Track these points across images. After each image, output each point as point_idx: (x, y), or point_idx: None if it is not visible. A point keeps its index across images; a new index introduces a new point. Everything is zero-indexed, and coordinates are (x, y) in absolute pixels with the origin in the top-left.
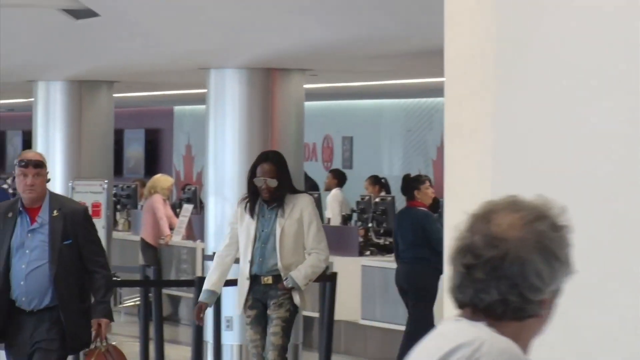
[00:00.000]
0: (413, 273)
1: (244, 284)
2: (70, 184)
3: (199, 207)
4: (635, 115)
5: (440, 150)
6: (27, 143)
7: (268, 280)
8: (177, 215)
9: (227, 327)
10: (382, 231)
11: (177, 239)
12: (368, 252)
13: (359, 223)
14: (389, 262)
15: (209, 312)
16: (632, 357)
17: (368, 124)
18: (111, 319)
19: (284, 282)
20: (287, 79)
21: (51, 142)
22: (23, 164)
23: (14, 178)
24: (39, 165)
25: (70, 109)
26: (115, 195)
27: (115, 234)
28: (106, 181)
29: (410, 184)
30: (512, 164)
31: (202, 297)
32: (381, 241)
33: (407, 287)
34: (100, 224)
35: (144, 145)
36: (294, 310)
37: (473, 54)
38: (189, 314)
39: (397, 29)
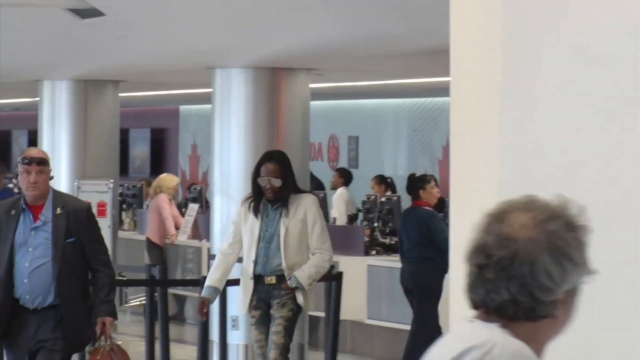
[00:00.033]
0: (418, 272)
1: (248, 284)
2: (75, 184)
3: (205, 207)
4: None
5: (446, 149)
6: (33, 142)
7: (272, 280)
8: (182, 214)
9: (232, 326)
10: (387, 231)
11: (182, 238)
12: (374, 252)
13: (365, 222)
14: (394, 262)
15: (215, 312)
16: (632, 357)
17: (374, 124)
18: (115, 318)
19: (288, 282)
20: (292, 78)
21: (57, 141)
22: (26, 161)
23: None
24: (42, 162)
25: (75, 108)
26: (120, 194)
27: (120, 234)
28: (112, 180)
29: (416, 183)
30: (518, 163)
31: (204, 293)
32: (387, 241)
33: (412, 287)
34: (106, 223)
35: (150, 145)
36: (297, 310)
37: (479, 53)
38: (194, 313)
39: (403, 29)
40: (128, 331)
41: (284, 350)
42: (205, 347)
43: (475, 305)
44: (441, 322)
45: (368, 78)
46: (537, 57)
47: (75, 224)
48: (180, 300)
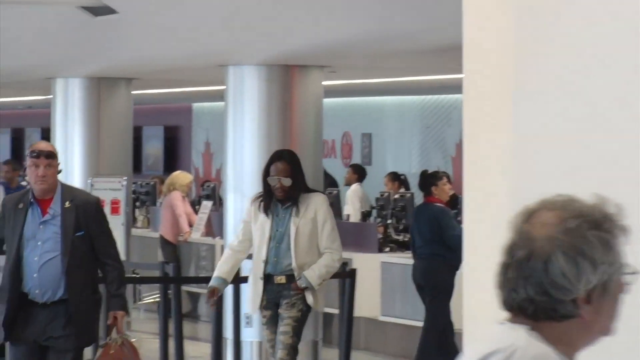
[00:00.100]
0: (429, 269)
1: (258, 284)
2: (89, 181)
3: (218, 204)
4: None
5: (459, 147)
6: (46, 140)
7: (281, 279)
8: (196, 212)
9: (246, 323)
10: (401, 228)
11: (196, 235)
12: (387, 249)
13: (379, 219)
14: (408, 259)
15: (228, 309)
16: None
17: (387, 121)
18: (126, 311)
19: (298, 282)
20: (305, 75)
21: (70, 139)
22: (35, 154)
23: None
24: (51, 155)
25: (89, 106)
26: (134, 192)
27: (134, 231)
28: (125, 178)
29: (428, 180)
30: (531, 161)
31: (212, 283)
32: (400, 237)
33: (424, 284)
34: (119, 220)
35: (163, 142)
36: (306, 310)
37: (492, 50)
38: (208, 310)
39: (415, 26)
40: (142, 328)
41: (292, 350)
42: (219, 345)
43: (504, 305)
44: (453, 319)
45: (381, 75)
46: (549, 54)
47: (85, 218)
48: (194, 297)
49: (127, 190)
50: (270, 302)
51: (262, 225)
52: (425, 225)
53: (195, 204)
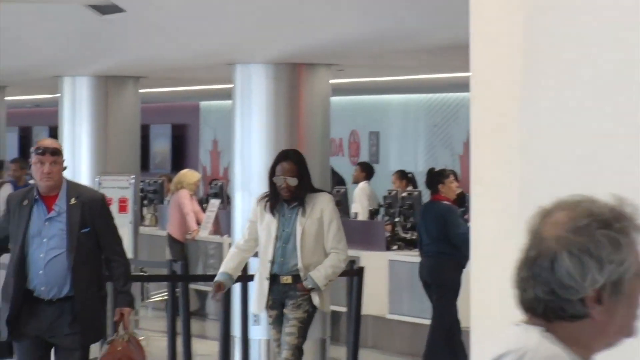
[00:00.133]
0: (436, 267)
1: (264, 284)
2: (97, 180)
3: (226, 202)
4: None
5: (466, 145)
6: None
7: (287, 279)
8: (204, 210)
9: (254, 321)
10: (409, 226)
11: (204, 234)
12: (395, 247)
13: (386, 217)
14: (415, 257)
15: (236, 307)
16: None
17: (394, 119)
18: (133, 308)
19: (304, 283)
20: (313, 74)
21: (77, 137)
22: (40, 151)
23: None
24: (56, 152)
25: (96, 104)
26: (142, 190)
27: (142, 229)
28: (133, 176)
29: (435, 177)
30: (538, 159)
31: (219, 278)
32: (408, 236)
33: (431, 281)
34: (127, 219)
35: (171, 141)
36: (312, 311)
37: (499, 48)
38: (216, 308)
39: (423, 24)
40: (150, 327)
41: (297, 350)
42: (227, 342)
43: (520, 306)
44: (460, 317)
45: (388, 73)
46: (557, 52)
47: (90, 214)
48: (202, 295)
49: (134, 189)
50: (276, 302)
51: (268, 225)
52: (432, 223)
53: (202, 202)
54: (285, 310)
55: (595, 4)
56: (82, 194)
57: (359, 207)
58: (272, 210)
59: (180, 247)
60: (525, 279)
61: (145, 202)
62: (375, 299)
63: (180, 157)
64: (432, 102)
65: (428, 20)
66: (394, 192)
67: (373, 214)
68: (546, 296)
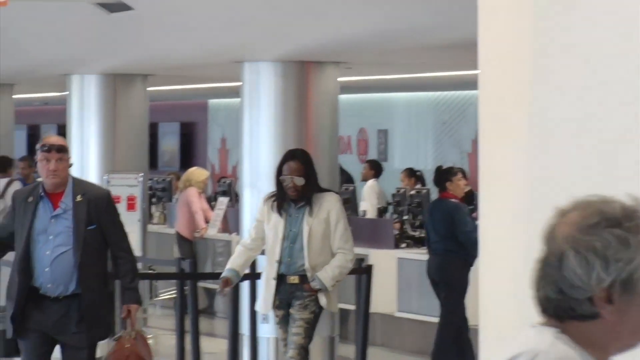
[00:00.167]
0: (443, 265)
1: (271, 284)
2: (105, 178)
3: (235, 200)
4: None
5: (475, 143)
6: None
7: (295, 280)
8: (212, 208)
9: (263, 320)
10: (417, 224)
11: (212, 232)
12: (404, 245)
13: (395, 215)
14: (424, 255)
15: (245, 305)
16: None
17: (403, 117)
18: (140, 304)
19: (311, 284)
20: (321, 71)
21: (86, 135)
22: (45, 148)
23: None
24: (62, 149)
25: (104, 102)
26: (150, 188)
27: (150, 227)
28: (141, 174)
29: (443, 175)
30: (547, 157)
31: (226, 274)
32: (416, 234)
33: (438, 279)
34: (135, 217)
35: (179, 139)
36: (318, 311)
37: (508, 45)
38: (224, 306)
39: (431, 21)
40: (158, 324)
41: (303, 350)
42: (236, 340)
43: (536, 306)
44: (468, 314)
45: (397, 71)
46: (567, 49)
47: (96, 211)
48: (211, 293)
49: (143, 187)
50: (283, 302)
51: (275, 225)
52: (440, 221)
53: (211, 200)
54: (291, 311)
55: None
56: (88, 191)
57: (368, 205)
58: (279, 210)
59: (189, 245)
60: (538, 279)
61: (154, 200)
62: (384, 297)
63: (189, 155)
64: (440, 99)
65: (436, 18)
66: (402, 190)
67: (381, 211)
68: (556, 295)
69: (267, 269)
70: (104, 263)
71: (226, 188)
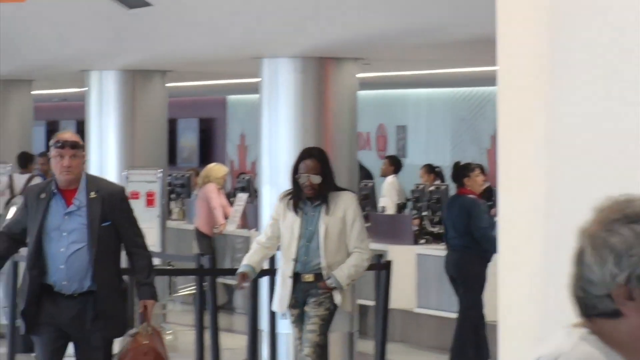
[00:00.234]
0: (461, 261)
1: (287, 283)
2: (124, 174)
3: (254, 196)
4: None
5: (494, 139)
6: (81, 133)
7: (309, 277)
8: (231, 204)
9: (282, 315)
10: (436, 220)
11: (231, 228)
12: (423, 241)
13: (414, 211)
14: (443, 251)
15: (264, 301)
16: None
17: (422, 113)
18: (156, 300)
19: (327, 282)
20: (340, 68)
21: (104, 131)
22: (59, 144)
23: None
24: (76, 146)
25: (123, 98)
26: (169, 184)
27: (169, 223)
28: (160, 170)
29: (460, 171)
30: (566, 153)
31: (242, 269)
32: (435, 230)
33: (456, 275)
34: (154, 213)
35: (198, 135)
36: (333, 309)
37: (526, 42)
38: (243, 302)
39: (450, 17)
40: (178, 320)
41: (318, 348)
42: (255, 337)
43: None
44: (486, 310)
45: (416, 67)
46: (585, 45)
47: (110, 208)
48: (230, 289)
49: (162, 183)
50: (299, 300)
51: (292, 223)
52: (458, 217)
53: (230, 196)
54: (306, 308)
55: None
56: (102, 188)
57: (389, 201)
58: (295, 208)
59: (208, 241)
60: (570, 279)
61: (173, 196)
62: (403, 293)
63: (208, 151)
64: (459, 96)
65: (455, 14)
66: (421, 186)
67: (401, 207)
68: (581, 293)
69: (283, 267)
70: (118, 260)
71: (245, 184)
